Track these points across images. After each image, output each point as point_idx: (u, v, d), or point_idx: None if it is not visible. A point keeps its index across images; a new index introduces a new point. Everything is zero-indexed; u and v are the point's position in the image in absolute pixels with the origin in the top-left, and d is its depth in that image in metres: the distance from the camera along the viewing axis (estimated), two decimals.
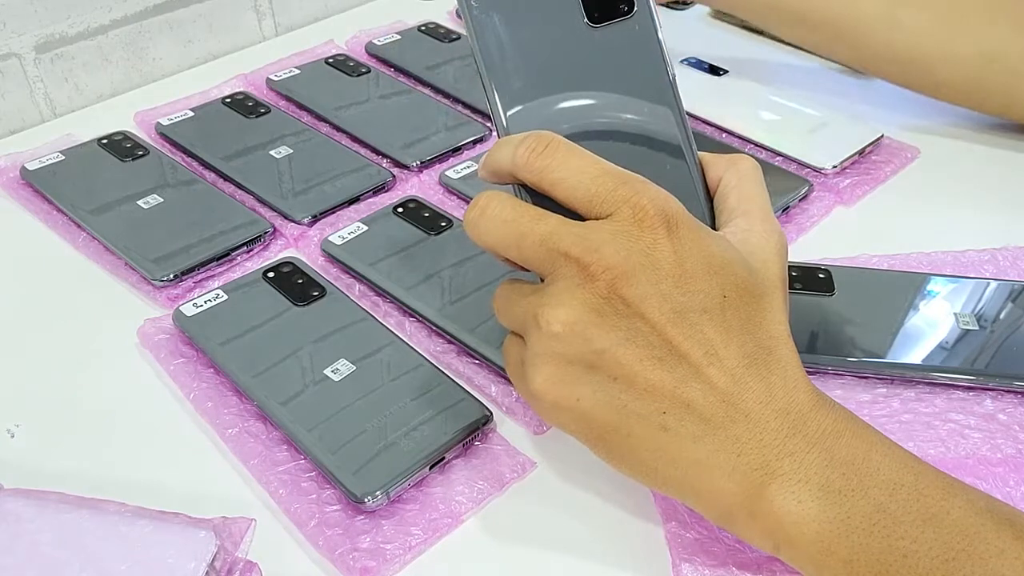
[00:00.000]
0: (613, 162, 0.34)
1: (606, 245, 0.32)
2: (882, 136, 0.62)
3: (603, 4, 0.37)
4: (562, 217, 0.33)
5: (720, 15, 0.80)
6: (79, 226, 0.55)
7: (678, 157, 0.37)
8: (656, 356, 0.32)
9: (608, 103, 0.37)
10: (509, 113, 0.36)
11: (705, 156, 0.38)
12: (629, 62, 0.37)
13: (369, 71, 0.70)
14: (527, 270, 0.35)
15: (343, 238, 0.53)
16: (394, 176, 0.59)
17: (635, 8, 0.37)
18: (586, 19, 0.37)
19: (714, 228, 0.36)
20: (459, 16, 0.37)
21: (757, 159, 0.59)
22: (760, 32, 0.78)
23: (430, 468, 0.40)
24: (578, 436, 0.34)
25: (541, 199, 0.34)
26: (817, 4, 0.62)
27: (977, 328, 0.46)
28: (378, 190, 0.58)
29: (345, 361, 0.44)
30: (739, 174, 0.37)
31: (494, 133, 0.37)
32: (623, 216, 0.32)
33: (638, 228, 0.32)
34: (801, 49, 0.75)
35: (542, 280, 0.34)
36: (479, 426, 0.42)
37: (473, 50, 0.36)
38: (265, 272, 0.50)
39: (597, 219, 0.33)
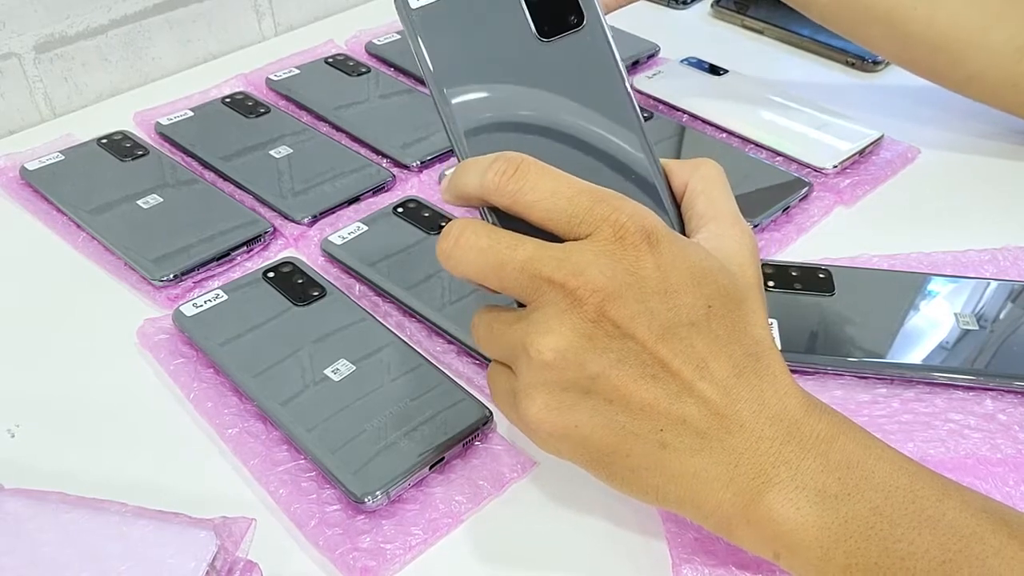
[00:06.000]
0: (579, 177, 0.33)
1: (590, 267, 0.31)
2: (882, 136, 0.62)
3: (552, 18, 0.36)
4: (540, 241, 0.32)
5: (720, 14, 0.80)
6: (79, 226, 0.55)
7: (641, 167, 0.37)
8: (649, 374, 0.32)
9: (567, 118, 0.36)
10: (467, 134, 0.35)
11: (668, 163, 0.38)
12: (584, 75, 0.36)
13: (369, 71, 0.70)
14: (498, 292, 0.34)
15: (343, 238, 0.53)
16: (394, 176, 0.59)
17: (585, 20, 0.36)
18: (536, 34, 0.36)
19: (684, 235, 0.36)
20: (406, 38, 0.36)
21: (757, 159, 0.60)
22: (760, 32, 0.78)
23: (430, 468, 0.40)
24: (577, 461, 0.34)
25: (511, 221, 0.33)
26: None
27: (977, 328, 0.46)
28: (378, 190, 0.58)
29: (345, 361, 0.44)
30: (705, 179, 0.37)
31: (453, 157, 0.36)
32: (604, 235, 0.31)
33: (620, 246, 0.31)
34: (802, 48, 0.75)
35: (519, 304, 0.34)
36: (479, 426, 0.42)
37: (423, 71, 0.35)
38: (265, 272, 0.50)
39: (576, 239, 0.32)
